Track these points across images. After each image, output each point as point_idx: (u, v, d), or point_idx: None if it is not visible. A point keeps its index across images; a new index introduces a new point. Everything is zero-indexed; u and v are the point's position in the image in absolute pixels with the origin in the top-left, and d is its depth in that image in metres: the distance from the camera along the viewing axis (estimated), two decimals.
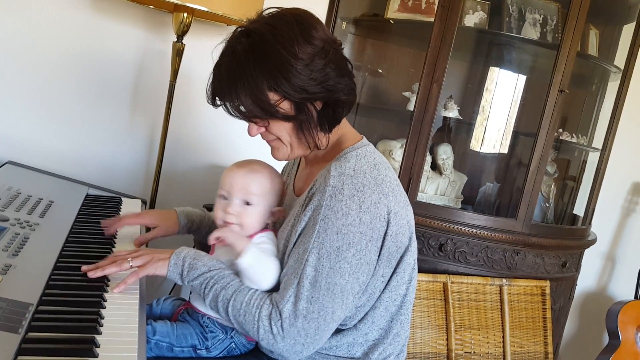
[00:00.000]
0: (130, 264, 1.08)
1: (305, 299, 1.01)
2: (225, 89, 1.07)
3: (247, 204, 1.12)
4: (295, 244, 1.07)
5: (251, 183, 1.13)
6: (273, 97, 1.05)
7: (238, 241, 1.08)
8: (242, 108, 1.07)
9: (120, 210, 1.62)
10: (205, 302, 1.07)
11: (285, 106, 1.06)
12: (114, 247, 1.29)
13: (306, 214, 1.05)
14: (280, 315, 1.00)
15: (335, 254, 1.02)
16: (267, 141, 1.16)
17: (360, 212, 1.02)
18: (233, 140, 2.16)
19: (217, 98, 1.10)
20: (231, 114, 1.10)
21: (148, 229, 1.39)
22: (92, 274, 1.06)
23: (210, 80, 1.09)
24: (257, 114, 1.07)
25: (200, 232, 1.37)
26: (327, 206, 1.02)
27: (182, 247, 1.12)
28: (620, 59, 2.26)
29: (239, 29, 1.08)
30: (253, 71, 1.03)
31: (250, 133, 1.13)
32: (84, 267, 1.08)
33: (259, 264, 1.06)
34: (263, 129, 1.12)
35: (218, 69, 1.08)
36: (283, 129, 1.10)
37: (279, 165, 1.30)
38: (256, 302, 1.03)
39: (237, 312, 1.03)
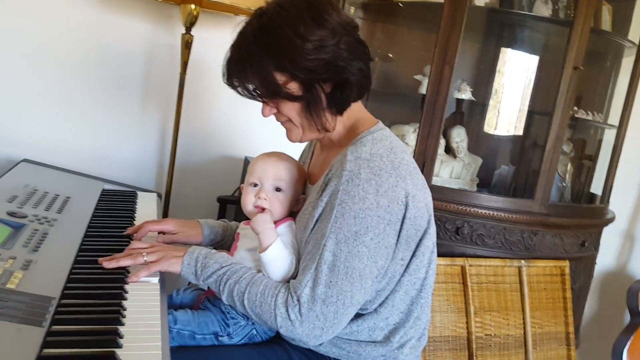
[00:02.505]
0: (145, 259, 1.10)
1: (323, 283, 1.01)
2: (234, 69, 1.10)
3: (278, 189, 1.16)
4: (312, 229, 1.07)
5: (282, 170, 1.17)
6: (280, 77, 1.06)
7: (267, 233, 1.09)
8: (251, 88, 1.09)
9: (136, 204, 1.63)
10: (222, 298, 1.08)
11: (293, 87, 1.07)
12: (132, 240, 1.29)
13: (323, 199, 1.05)
14: (298, 300, 1.01)
15: (353, 238, 1.01)
16: (281, 123, 1.18)
17: (377, 195, 1.02)
18: (245, 131, 2.16)
19: (230, 78, 1.12)
20: (241, 95, 1.12)
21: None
22: (107, 264, 1.09)
23: (225, 60, 1.11)
24: (265, 94, 1.09)
25: (223, 245, 1.36)
26: (344, 191, 1.02)
27: (193, 246, 1.13)
28: (634, 34, 2.22)
29: (255, 11, 1.10)
30: (260, 52, 1.05)
31: (263, 114, 1.15)
32: (100, 259, 1.11)
33: (279, 259, 1.08)
34: (275, 110, 1.13)
35: (231, 49, 1.11)
36: (292, 110, 1.11)
37: (296, 155, 1.31)
38: (271, 291, 1.03)
39: (252, 303, 1.04)
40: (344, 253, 1.01)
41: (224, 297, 1.07)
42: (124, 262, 1.10)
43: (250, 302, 1.04)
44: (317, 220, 1.06)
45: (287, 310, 1.01)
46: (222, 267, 1.08)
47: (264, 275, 1.08)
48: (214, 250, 1.12)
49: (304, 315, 1.00)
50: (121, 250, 1.15)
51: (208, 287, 1.15)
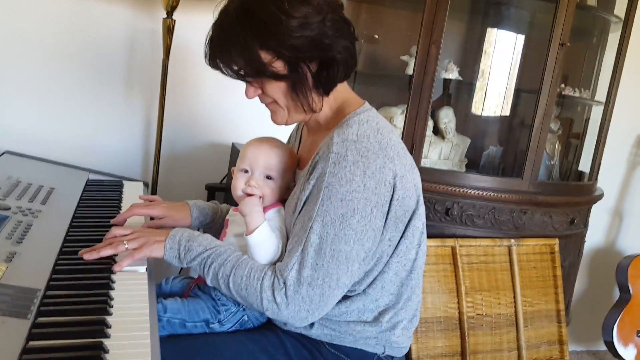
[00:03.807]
0: (126, 246, 1.08)
1: (309, 266, 1.00)
2: (218, 49, 1.07)
3: (268, 177, 1.15)
4: (300, 212, 1.06)
5: (274, 158, 1.15)
6: (265, 56, 1.04)
7: (254, 216, 1.08)
8: (235, 67, 1.07)
9: (122, 194, 1.60)
10: (207, 281, 1.07)
11: (278, 65, 1.05)
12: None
13: (310, 182, 1.04)
14: (284, 283, 1.01)
15: (339, 221, 1.01)
16: (265, 104, 1.15)
17: (364, 177, 1.01)
18: (232, 117, 2.14)
19: (213, 58, 1.09)
20: (225, 74, 1.09)
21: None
22: (88, 257, 1.06)
23: (207, 40, 1.09)
24: (250, 73, 1.07)
25: (213, 226, 1.34)
26: (330, 173, 1.01)
27: (176, 229, 1.11)
28: (620, 9, 2.21)
29: None
30: (244, 30, 1.03)
31: (247, 95, 1.12)
32: (81, 252, 1.08)
33: (265, 242, 1.07)
34: (260, 91, 1.11)
35: (213, 28, 1.08)
36: (278, 90, 1.09)
37: (283, 139, 1.29)
38: (257, 273, 1.03)
39: (238, 286, 1.03)
40: (331, 236, 1.01)
41: (209, 280, 1.06)
42: (105, 252, 1.07)
43: (236, 284, 1.03)
44: (304, 203, 1.05)
45: (273, 293, 1.01)
46: (207, 250, 1.06)
47: (248, 257, 1.07)
48: (197, 233, 1.11)
49: (289, 298, 1.00)
50: None
51: (198, 275, 1.14)
